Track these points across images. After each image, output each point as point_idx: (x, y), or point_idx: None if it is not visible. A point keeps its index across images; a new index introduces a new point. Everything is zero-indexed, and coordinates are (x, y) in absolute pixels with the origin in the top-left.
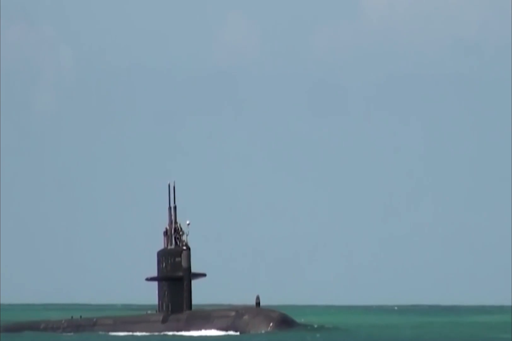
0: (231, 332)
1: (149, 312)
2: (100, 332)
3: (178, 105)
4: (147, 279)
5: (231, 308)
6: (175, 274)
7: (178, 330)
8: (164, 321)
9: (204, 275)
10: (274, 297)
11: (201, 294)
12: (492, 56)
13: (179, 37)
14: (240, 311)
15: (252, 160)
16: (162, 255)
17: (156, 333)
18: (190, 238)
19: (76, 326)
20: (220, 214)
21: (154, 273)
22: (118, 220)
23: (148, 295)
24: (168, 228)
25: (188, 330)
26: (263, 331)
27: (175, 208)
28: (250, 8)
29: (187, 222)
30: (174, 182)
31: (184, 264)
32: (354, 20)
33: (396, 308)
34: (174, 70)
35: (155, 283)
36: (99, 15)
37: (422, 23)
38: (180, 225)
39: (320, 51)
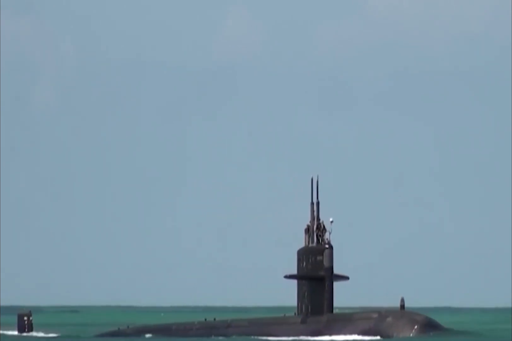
0: (373, 335)
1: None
2: (234, 334)
3: (184, 101)
4: (286, 277)
5: (374, 310)
6: (316, 273)
7: (317, 333)
8: (303, 323)
9: (347, 278)
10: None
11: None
12: (502, 52)
13: (181, 33)
14: (383, 313)
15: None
16: (303, 253)
17: (294, 336)
18: (332, 237)
19: (209, 327)
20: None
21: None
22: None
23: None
24: (310, 225)
25: (329, 333)
26: (406, 335)
27: (318, 203)
28: (253, 3)
29: (330, 220)
30: (317, 176)
31: (326, 263)
32: (360, 15)
33: None
34: (176, 65)
35: (295, 285)
36: (101, 10)
37: (429, 19)
38: (323, 222)
39: (326, 46)
